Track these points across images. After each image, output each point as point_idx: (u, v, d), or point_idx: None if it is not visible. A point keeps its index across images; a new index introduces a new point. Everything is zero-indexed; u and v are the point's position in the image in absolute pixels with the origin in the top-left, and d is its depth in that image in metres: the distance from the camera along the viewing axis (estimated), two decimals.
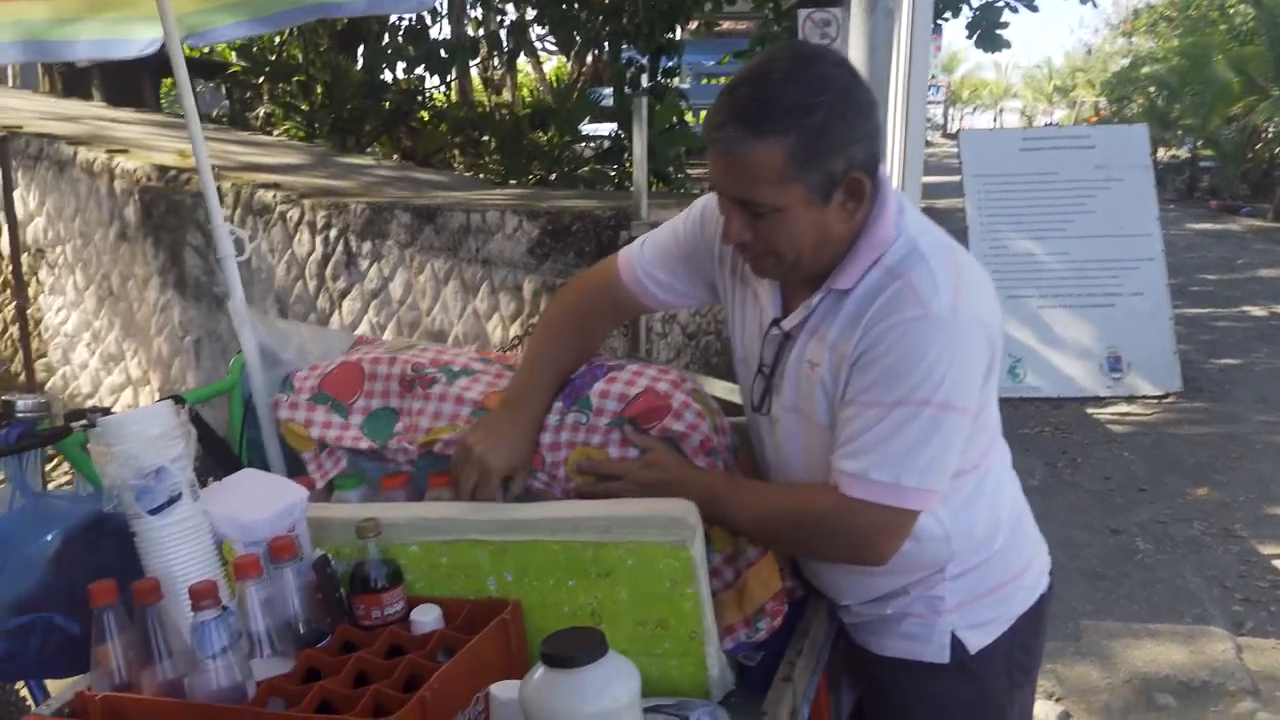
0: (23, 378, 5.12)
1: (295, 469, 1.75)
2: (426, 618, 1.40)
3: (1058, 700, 3.07)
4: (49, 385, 5.43)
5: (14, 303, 4.89)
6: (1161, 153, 18.87)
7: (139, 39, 2.29)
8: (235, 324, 1.67)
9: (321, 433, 1.63)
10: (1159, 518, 4.44)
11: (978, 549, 1.50)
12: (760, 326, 1.51)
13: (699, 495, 1.42)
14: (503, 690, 1.22)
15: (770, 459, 1.56)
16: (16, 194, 5.27)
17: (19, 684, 1.91)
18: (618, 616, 1.40)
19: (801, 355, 1.43)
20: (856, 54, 3.19)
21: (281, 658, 1.35)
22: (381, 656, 1.36)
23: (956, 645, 1.50)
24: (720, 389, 4.33)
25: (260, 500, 1.42)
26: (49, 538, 1.44)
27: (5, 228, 5.12)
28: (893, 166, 3.47)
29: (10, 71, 11.25)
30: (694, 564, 1.35)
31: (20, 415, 1.51)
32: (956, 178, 6.83)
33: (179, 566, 1.33)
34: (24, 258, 5.32)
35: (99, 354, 5.26)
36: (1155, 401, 6.07)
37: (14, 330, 5.11)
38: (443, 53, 7.74)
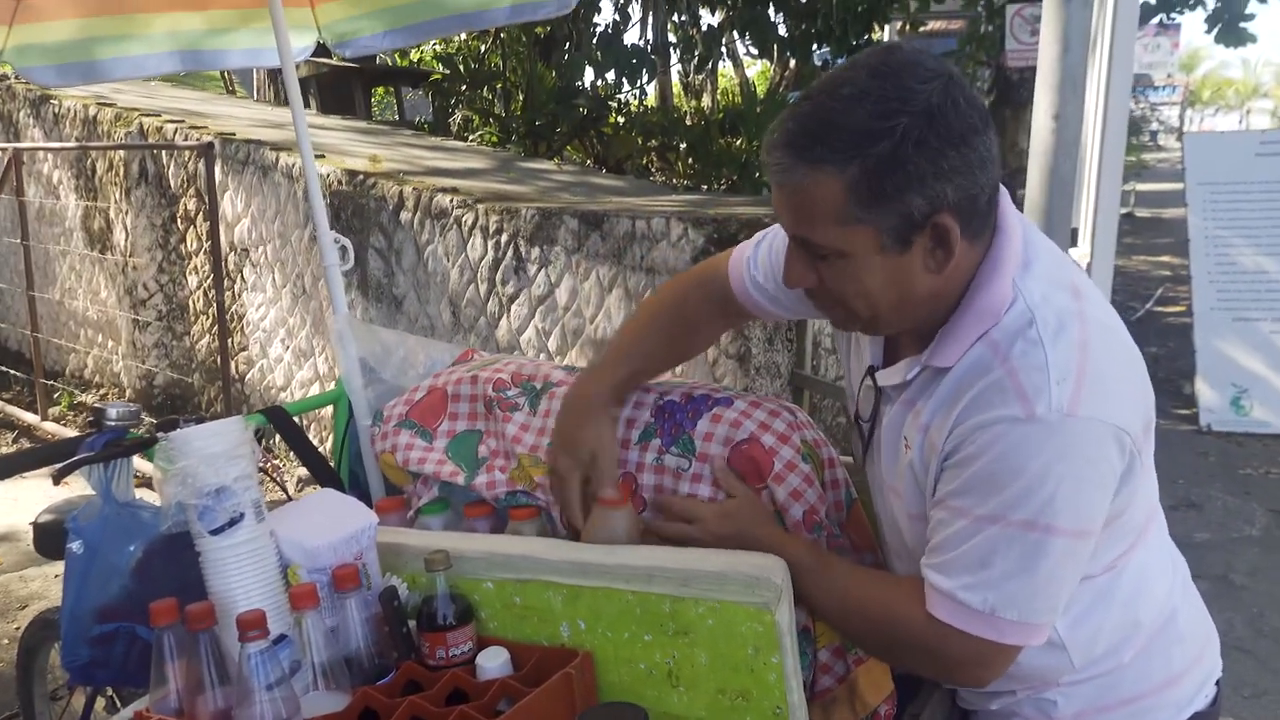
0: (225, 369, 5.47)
1: (394, 488, 1.70)
2: (492, 663, 1.30)
3: None
4: (248, 377, 5.76)
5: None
6: None
7: (293, 46, 2.31)
8: (332, 338, 1.62)
9: (405, 455, 1.57)
10: None
11: (1104, 658, 1.24)
12: (860, 369, 1.31)
13: None
14: None
15: (880, 520, 1.36)
16: (227, 196, 5.61)
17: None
18: (696, 681, 1.25)
19: (899, 428, 1.21)
20: (1049, 49, 2.89)
21: (339, 693, 1.28)
22: (442, 701, 1.27)
23: None
24: None
25: (327, 525, 1.36)
26: (132, 548, 1.44)
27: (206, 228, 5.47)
28: (1089, 175, 3.13)
29: (254, 85, 12.17)
30: (779, 631, 1.19)
31: (110, 423, 1.52)
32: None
33: (240, 590, 1.29)
34: (231, 256, 5.67)
35: (292, 349, 5.53)
36: None
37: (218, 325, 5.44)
38: (633, 59, 7.75)
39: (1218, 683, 1.34)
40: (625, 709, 0.98)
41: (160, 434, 1.29)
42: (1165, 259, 10.63)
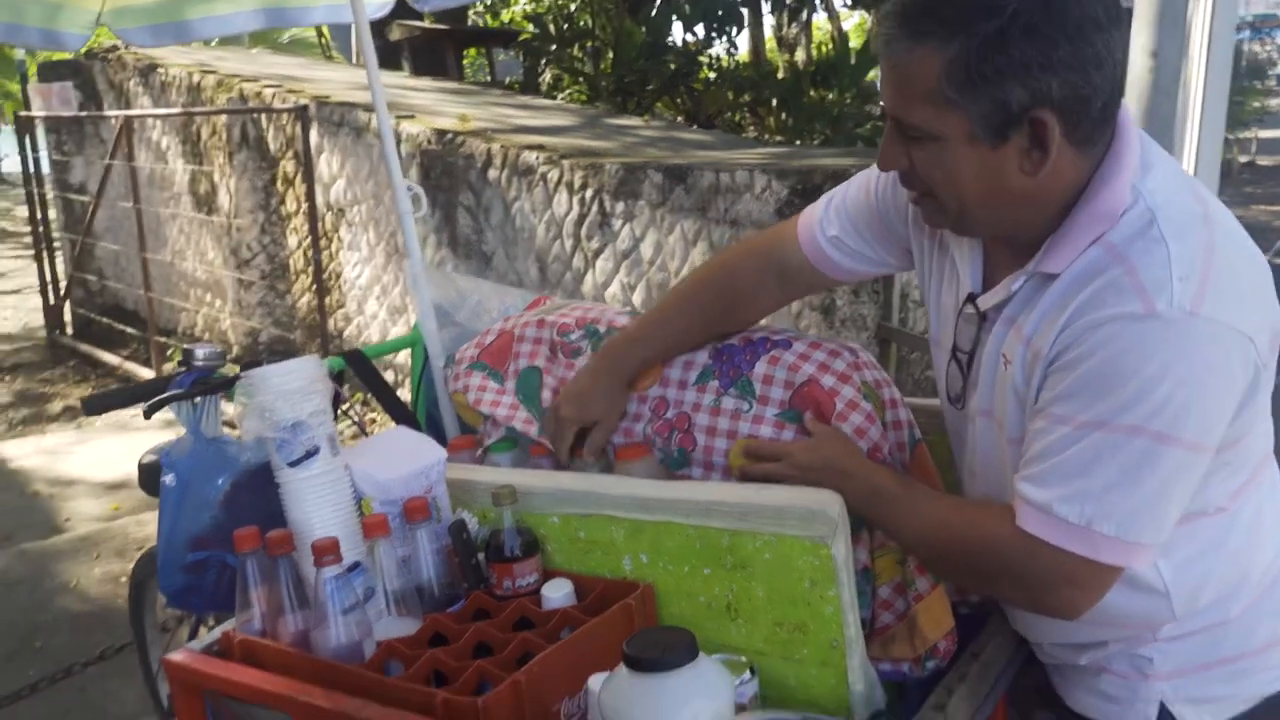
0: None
1: (468, 428, 1.75)
2: (556, 594, 1.34)
3: None
4: (345, 333, 5.94)
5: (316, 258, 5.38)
6: None
7: (372, 2, 2.36)
8: (409, 283, 1.67)
9: (478, 396, 1.61)
10: None
11: (1207, 611, 1.18)
12: (955, 301, 1.26)
13: (862, 492, 1.23)
14: (597, 683, 1.13)
15: (968, 463, 1.31)
16: (323, 158, 5.77)
17: None
18: (754, 614, 1.27)
19: (998, 347, 1.17)
20: None
21: (410, 618, 1.34)
22: (508, 628, 1.32)
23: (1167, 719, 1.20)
24: None
25: (399, 460, 1.41)
26: (220, 481, 1.51)
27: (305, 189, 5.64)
28: (1189, 123, 2.99)
29: (352, 50, 12.41)
30: (835, 564, 1.19)
31: (197, 363, 1.61)
32: None
33: (316, 519, 1.35)
34: (327, 216, 5.83)
35: (386, 306, 5.68)
36: None
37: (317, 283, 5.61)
38: (720, 12, 7.64)
39: None
40: (672, 631, 1.00)
41: (244, 374, 1.35)
42: None
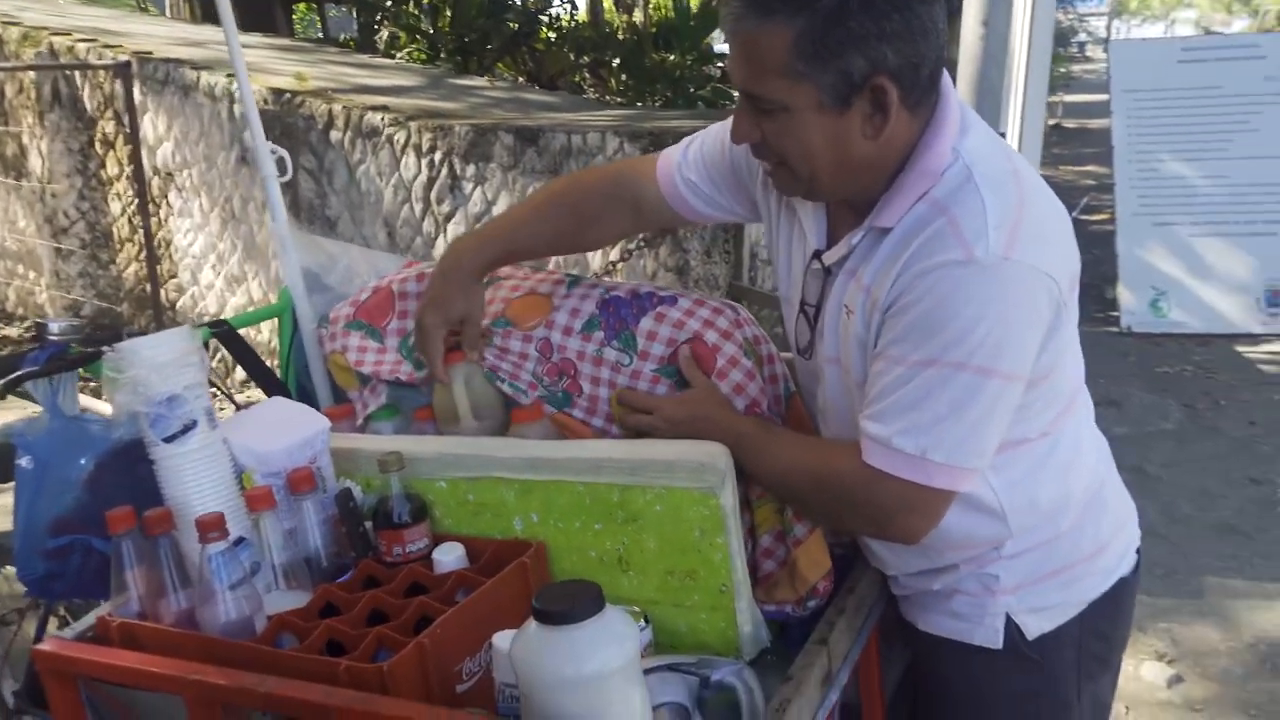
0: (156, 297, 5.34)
1: (342, 395, 1.72)
2: (447, 557, 1.35)
3: (1170, 662, 2.84)
4: (179, 305, 5.65)
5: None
6: None
7: None
8: (276, 247, 1.62)
9: (359, 357, 1.59)
10: None
11: (1040, 527, 1.31)
12: (803, 258, 1.34)
13: (727, 440, 1.29)
14: (504, 640, 1.16)
15: (819, 412, 1.41)
16: (147, 118, 5.44)
17: None
18: (646, 565, 1.32)
19: (840, 298, 1.26)
20: None
21: (299, 591, 1.32)
22: (400, 595, 1.32)
23: (1012, 629, 1.33)
24: None
25: (280, 430, 1.38)
26: (83, 461, 1.44)
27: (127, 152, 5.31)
28: (1016, 83, 3.19)
29: (166, 1, 11.66)
30: (724, 513, 1.25)
31: (52, 338, 1.52)
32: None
33: (195, 496, 1.30)
34: (155, 181, 5.51)
35: (224, 275, 5.43)
36: None
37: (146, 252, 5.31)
38: None
39: (1138, 550, 1.43)
40: (579, 585, 1.03)
41: (106, 346, 1.29)
42: (1091, 169, 10.86)
